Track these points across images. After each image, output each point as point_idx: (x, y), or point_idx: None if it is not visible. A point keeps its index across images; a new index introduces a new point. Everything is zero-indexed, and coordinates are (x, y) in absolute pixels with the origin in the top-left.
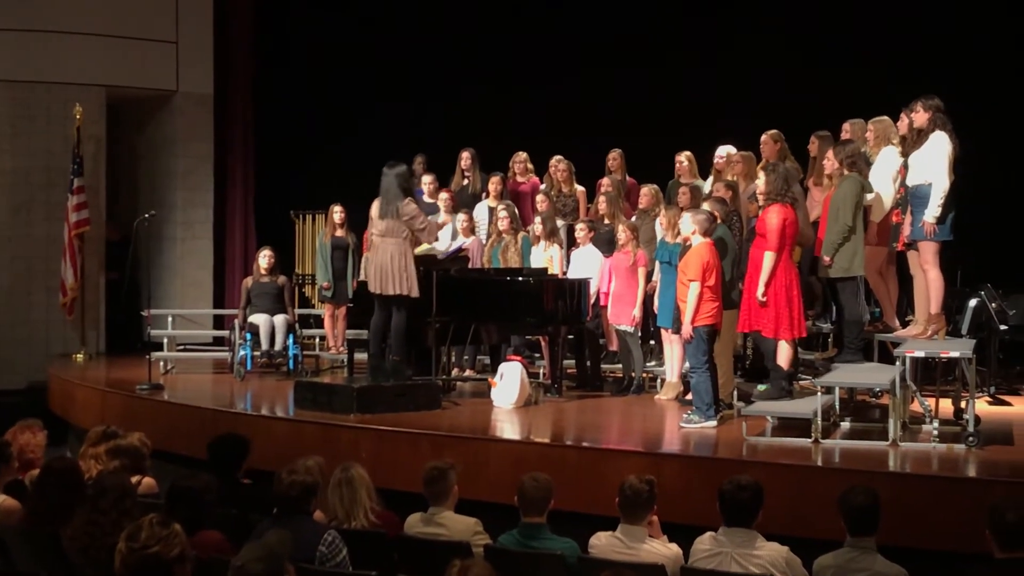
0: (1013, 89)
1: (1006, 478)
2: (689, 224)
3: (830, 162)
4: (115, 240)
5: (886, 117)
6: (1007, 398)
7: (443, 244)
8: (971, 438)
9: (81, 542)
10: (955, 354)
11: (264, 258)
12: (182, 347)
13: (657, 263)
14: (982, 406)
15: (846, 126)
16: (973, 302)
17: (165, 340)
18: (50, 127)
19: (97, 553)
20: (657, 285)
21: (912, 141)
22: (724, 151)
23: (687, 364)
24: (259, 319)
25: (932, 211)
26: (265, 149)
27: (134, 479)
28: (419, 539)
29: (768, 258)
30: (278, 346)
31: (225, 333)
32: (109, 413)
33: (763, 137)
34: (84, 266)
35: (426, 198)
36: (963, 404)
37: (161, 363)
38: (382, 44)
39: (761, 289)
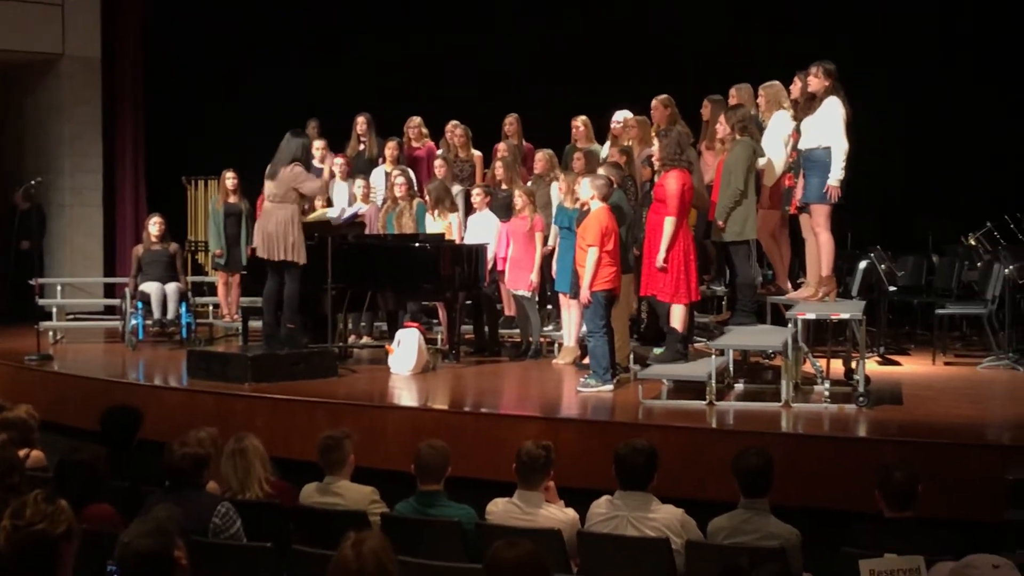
0: (899, 51)
1: (896, 437)
2: (588, 189)
3: (722, 127)
4: (25, 209)
5: (777, 82)
6: (896, 358)
7: (339, 210)
8: (861, 398)
9: None
10: (845, 315)
11: (153, 225)
12: (72, 316)
13: (554, 228)
14: (872, 366)
15: (733, 91)
16: (863, 264)
17: (54, 309)
18: None
19: None
20: (556, 250)
21: (804, 105)
22: (621, 116)
23: (584, 328)
24: (150, 287)
25: (836, 174)
26: (155, 114)
27: (22, 453)
28: (315, 509)
29: (669, 223)
30: (170, 315)
31: (116, 302)
32: None
33: (653, 102)
34: None
35: (316, 163)
36: (854, 365)
37: (50, 333)
38: (274, 7)
39: (663, 255)
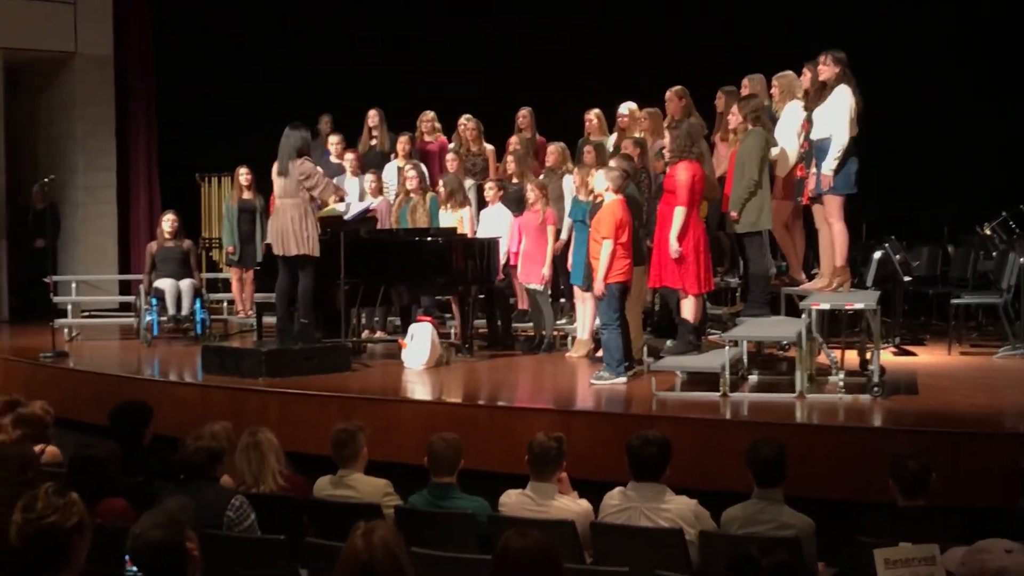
0: (909, 41)
1: (910, 427)
2: (603, 181)
3: (735, 117)
4: (41, 208)
5: (790, 72)
6: (912, 348)
7: (345, 206)
8: (876, 388)
9: None
10: (860, 306)
11: (167, 222)
12: (87, 313)
13: (568, 221)
14: (887, 357)
15: (745, 81)
16: (878, 254)
17: (69, 307)
18: None
19: (2, 524)
20: (571, 244)
21: (814, 95)
22: (626, 108)
23: (598, 321)
24: (165, 284)
25: (829, 164)
26: (168, 111)
27: (37, 448)
28: (329, 502)
29: (679, 213)
30: (185, 311)
31: (131, 299)
32: (13, 382)
33: (668, 94)
34: None
35: (333, 158)
36: (868, 355)
37: (66, 330)
38: (284, 2)
39: (675, 244)
